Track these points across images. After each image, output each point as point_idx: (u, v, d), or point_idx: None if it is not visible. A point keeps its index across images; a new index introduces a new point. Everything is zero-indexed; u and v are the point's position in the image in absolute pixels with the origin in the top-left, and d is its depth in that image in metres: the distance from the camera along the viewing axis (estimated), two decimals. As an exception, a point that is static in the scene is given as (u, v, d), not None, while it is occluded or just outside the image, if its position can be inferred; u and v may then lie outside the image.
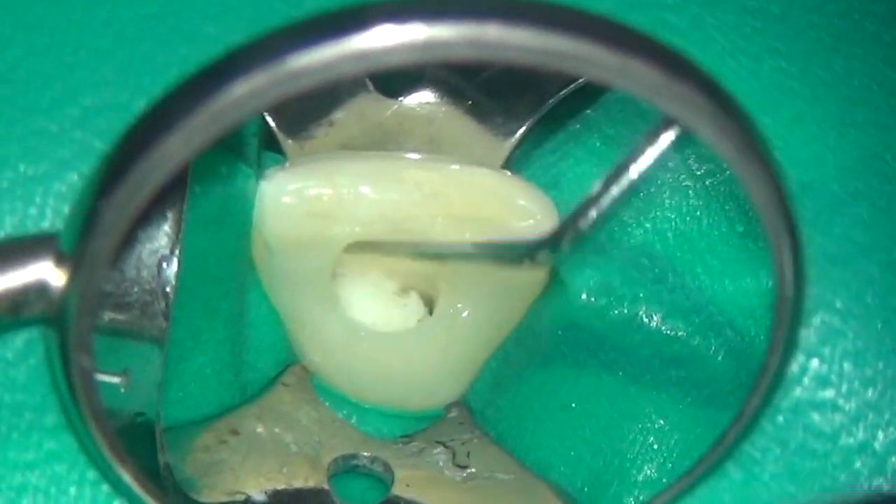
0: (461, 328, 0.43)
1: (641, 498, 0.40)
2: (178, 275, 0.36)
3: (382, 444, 0.43)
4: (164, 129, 0.28)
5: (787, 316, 0.32)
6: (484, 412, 0.44)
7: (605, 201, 0.34)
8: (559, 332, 0.43)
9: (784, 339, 0.32)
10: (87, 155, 0.36)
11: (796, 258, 0.31)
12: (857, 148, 0.40)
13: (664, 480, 0.40)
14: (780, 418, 0.38)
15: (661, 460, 0.40)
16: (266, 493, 0.40)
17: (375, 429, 0.44)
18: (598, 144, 0.43)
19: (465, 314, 0.43)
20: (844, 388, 0.38)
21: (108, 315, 0.35)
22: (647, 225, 0.42)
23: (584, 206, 0.35)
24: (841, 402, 0.38)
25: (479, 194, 0.41)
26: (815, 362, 0.38)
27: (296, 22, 0.28)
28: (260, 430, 0.41)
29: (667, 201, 0.42)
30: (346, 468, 0.42)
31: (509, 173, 0.42)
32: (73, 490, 0.36)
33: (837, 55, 0.41)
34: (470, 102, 0.42)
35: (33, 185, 0.36)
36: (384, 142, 0.42)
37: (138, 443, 0.34)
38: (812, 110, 0.40)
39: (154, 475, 0.35)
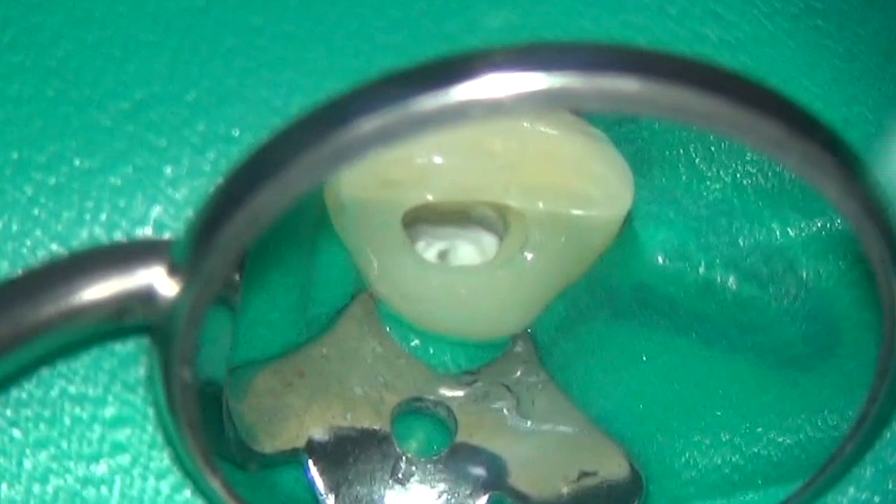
0: (525, 271, 0.43)
1: (705, 459, 0.41)
2: None
3: (447, 383, 0.43)
4: (288, 158, 0.28)
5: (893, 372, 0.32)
6: (550, 350, 0.44)
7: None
8: (630, 290, 0.43)
9: (887, 392, 0.33)
10: (140, 147, 0.36)
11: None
12: None
13: (728, 443, 0.41)
14: None
15: (729, 423, 0.41)
16: (328, 435, 0.40)
17: (440, 361, 0.44)
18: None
19: (529, 257, 0.43)
20: None
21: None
22: (727, 179, 0.42)
23: None
24: None
25: (554, 161, 0.40)
26: None
27: (425, 63, 0.27)
28: (326, 370, 0.42)
29: (748, 153, 0.42)
30: (409, 410, 0.42)
31: (588, 129, 0.41)
32: (137, 482, 0.37)
33: (872, 10, 0.40)
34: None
35: (89, 178, 0.36)
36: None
37: (206, 414, 0.34)
38: (849, 68, 0.40)
39: (242, 487, 0.36)
